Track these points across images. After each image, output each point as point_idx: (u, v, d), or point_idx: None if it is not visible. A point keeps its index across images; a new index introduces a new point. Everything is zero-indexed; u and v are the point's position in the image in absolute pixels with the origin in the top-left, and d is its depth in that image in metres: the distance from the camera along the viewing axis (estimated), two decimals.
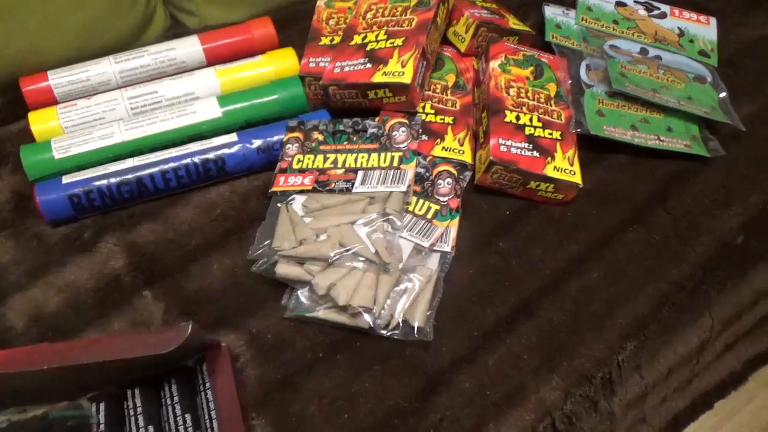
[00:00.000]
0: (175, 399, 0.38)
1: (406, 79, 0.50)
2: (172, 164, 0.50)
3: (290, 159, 0.50)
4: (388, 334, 0.42)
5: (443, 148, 0.52)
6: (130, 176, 0.49)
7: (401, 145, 0.48)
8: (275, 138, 0.52)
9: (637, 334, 0.46)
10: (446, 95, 0.56)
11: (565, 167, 0.51)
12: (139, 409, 0.37)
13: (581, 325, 0.45)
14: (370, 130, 0.50)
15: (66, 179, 0.48)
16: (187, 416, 0.37)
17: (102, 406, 0.37)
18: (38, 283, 0.46)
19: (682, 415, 0.62)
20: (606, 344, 0.45)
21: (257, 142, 0.52)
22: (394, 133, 0.49)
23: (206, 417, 0.37)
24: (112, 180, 0.49)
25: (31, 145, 0.51)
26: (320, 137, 0.51)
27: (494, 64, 0.56)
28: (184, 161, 0.50)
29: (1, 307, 0.44)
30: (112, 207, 0.50)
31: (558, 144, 0.52)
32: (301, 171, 0.49)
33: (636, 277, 0.48)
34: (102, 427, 0.36)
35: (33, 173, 0.50)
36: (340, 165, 0.49)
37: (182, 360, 0.40)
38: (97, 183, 0.48)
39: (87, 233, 0.49)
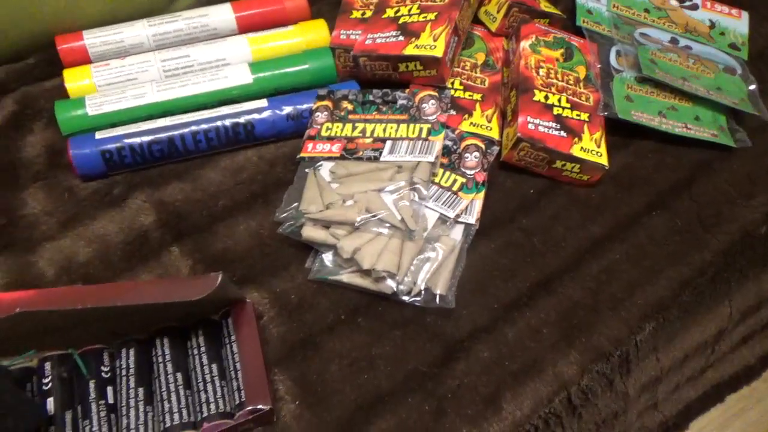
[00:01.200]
0: (202, 350, 0.38)
1: (438, 52, 0.50)
2: (203, 126, 0.50)
3: (319, 127, 0.51)
4: (410, 300, 0.43)
5: (471, 123, 0.52)
6: (161, 135, 0.50)
7: (430, 118, 0.49)
8: (305, 106, 0.52)
9: (655, 316, 0.46)
10: (475, 73, 0.56)
11: (592, 148, 0.51)
12: (168, 357, 0.38)
13: (601, 304, 0.45)
14: (400, 102, 0.50)
15: (99, 135, 0.49)
16: (213, 366, 0.38)
17: (132, 352, 0.38)
18: (69, 234, 0.47)
19: (693, 405, 0.62)
20: (625, 324, 0.45)
21: (287, 109, 0.52)
22: (423, 105, 0.50)
23: (231, 368, 0.38)
24: (144, 138, 0.49)
25: (65, 100, 0.52)
26: (349, 107, 0.51)
27: (525, 44, 0.56)
28: (215, 124, 0.51)
29: (32, 255, 0.45)
30: (142, 165, 0.50)
31: (585, 125, 0.52)
32: (330, 138, 0.50)
33: (657, 261, 0.48)
34: (132, 371, 0.37)
35: (66, 128, 0.51)
36: (368, 134, 0.49)
37: (209, 313, 0.40)
38: (130, 140, 0.49)
39: (117, 189, 0.50)
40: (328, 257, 0.45)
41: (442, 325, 0.43)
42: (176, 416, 0.36)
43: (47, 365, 0.37)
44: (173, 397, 0.36)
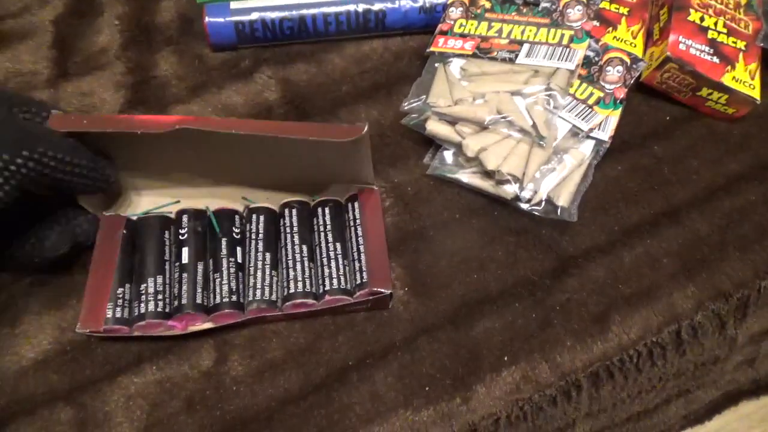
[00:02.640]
0: (327, 228, 0.39)
1: None
2: (335, 8, 0.49)
3: (452, 22, 0.48)
4: (529, 208, 0.42)
5: (615, 37, 0.48)
6: (293, 13, 0.49)
7: (574, 24, 0.46)
8: (439, 0, 0.50)
9: None
10: None
11: (745, 79, 0.47)
12: (295, 228, 0.39)
13: (728, 243, 0.43)
14: (543, 4, 0.47)
15: (234, 5, 0.49)
16: (338, 245, 0.38)
17: (261, 218, 0.39)
18: (197, 100, 0.48)
19: None
20: (751, 267, 0.42)
21: (421, 1, 0.50)
22: (568, 10, 0.47)
23: (354, 249, 0.38)
24: (277, 14, 0.49)
25: None
26: (487, 4, 0.49)
27: None
28: (347, 7, 0.49)
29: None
30: (271, 41, 0.50)
31: (741, 54, 0.48)
32: (463, 36, 0.47)
33: None
34: (261, 236, 0.38)
35: None
36: (504, 35, 0.47)
37: (339, 189, 0.41)
38: (262, 14, 0.49)
39: (245, 62, 0.50)
40: (449, 154, 0.44)
41: (557, 239, 0.42)
42: (299, 284, 0.37)
43: (185, 217, 0.38)
44: (298, 266, 0.37)
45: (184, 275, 0.37)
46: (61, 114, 0.35)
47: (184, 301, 0.36)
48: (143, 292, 0.36)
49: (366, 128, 0.34)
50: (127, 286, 0.37)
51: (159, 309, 0.36)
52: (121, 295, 0.36)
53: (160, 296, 0.36)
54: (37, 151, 0.32)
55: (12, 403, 0.35)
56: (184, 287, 0.36)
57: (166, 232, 0.38)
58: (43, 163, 0.32)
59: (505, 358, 0.38)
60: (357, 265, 0.38)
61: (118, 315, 0.36)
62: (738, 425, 0.74)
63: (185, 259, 0.37)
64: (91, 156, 0.36)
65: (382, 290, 0.37)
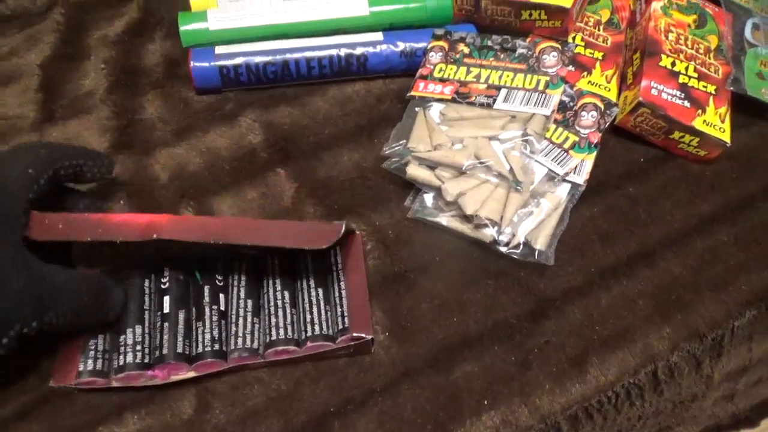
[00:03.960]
0: (310, 273, 0.39)
1: (567, 2, 0.48)
2: (317, 52, 0.51)
3: (432, 67, 0.50)
4: (508, 251, 0.43)
5: (589, 82, 0.50)
6: (277, 57, 0.50)
7: (550, 70, 0.47)
8: (420, 44, 0.52)
9: (758, 303, 0.44)
10: (598, 30, 0.53)
11: (715, 123, 0.48)
12: (277, 275, 0.39)
13: (702, 284, 0.44)
14: (519, 50, 0.49)
15: (219, 50, 0.50)
16: (320, 290, 0.39)
17: (243, 265, 0.39)
18: (182, 144, 0.49)
19: None
20: (724, 307, 0.43)
21: (401, 45, 0.51)
22: (544, 56, 0.48)
23: (336, 295, 0.39)
24: (261, 58, 0.50)
25: (188, 12, 0.53)
26: (466, 50, 0.50)
27: (656, 5, 0.53)
28: (330, 51, 0.51)
29: (149, 158, 0.48)
30: (255, 84, 0.51)
31: (711, 98, 0.49)
32: (442, 80, 0.49)
33: (767, 248, 0.46)
34: (243, 282, 0.39)
35: (187, 40, 0.52)
36: (482, 80, 0.48)
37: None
38: (247, 58, 0.50)
39: (229, 105, 0.51)
40: (429, 198, 0.45)
41: (535, 281, 0.43)
42: (281, 331, 0.37)
43: (166, 266, 0.39)
44: (280, 313, 0.38)
45: (166, 324, 0.37)
46: (38, 219, 0.35)
47: (165, 351, 0.36)
48: (122, 343, 0.36)
49: (343, 229, 0.36)
50: (101, 336, 0.37)
51: (138, 360, 0.36)
52: (93, 347, 0.36)
53: (139, 347, 0.36)
54: (45, 317, 0.33)
55: None
56: (165, 336, 0.36)
57: (146, 280, 0.38)
58: (51, 324, 0.34)
59: (485, 402, 0.38)
60: (339, 310, 0.38)
61: (92, 367, 0.36)
62: None
63: (167, 308, 0.37)
64: (95, 288, 0.36)
65: (364, 335, 0.37)
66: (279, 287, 0.39)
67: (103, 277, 0.38)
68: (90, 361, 0.36)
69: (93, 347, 0.36)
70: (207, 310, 0.37)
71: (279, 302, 0.38)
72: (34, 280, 0.33)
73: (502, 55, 0.49)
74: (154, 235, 0.34)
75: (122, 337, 0.36)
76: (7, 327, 0.32)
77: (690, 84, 0.49)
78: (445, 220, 0.44)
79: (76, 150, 0.41)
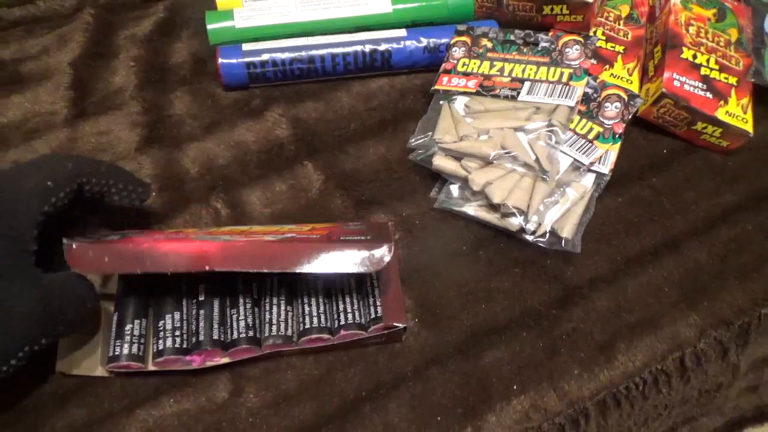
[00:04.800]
0: None
1: None
2: (342, 49, 0.51)
3: (456, 61, 0.51)
4: (534, 240, 0.43)
5: (612, 74, 0.51)
6: (303, 54, 0.51)
7: (573, 63, 0.48)
8: (443, 40, 0.52)
9: None
10: (618, 25, 0.54)
11: (737, 113, 0.48)
12: None
13: (728, 272, 0.44)
14: (542, 44, 0.49)
15: (246, 47, 0.51)
16: (352, 280, 0.39)
17: None
18: (210, 138, 0.49)
19: None
20: (750, 295, 0.43)
21: (425, 41, 0.52)
22: (566, 49, 0.49)
23: (368, 284, 0.39)
24: (287, 55, 0.51)
25: (215, 11, 0.54)
26: (489, 44, 0.51)
27: (676, 0, 0.53)
28: (355, 48, 0.52)
29: (179, 152, 0.48)
30: (281, 80, 0.52)
31: (733, 89, 0.50)
32: (466, 74, 0.49)
33: None
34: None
35: (214, 38, 0.53)
36: (506, 73, 0.49)
37: None
38: (273, 55, 0.51)
39: (255, 101, 0.52)
40: (455, 188, 0.46)
41: (562, 269, 0.44)
42: (315, 320, 0.38)
43: None
44: (313, 302, 0.38)
45: (201, 311, 0.38)
46: (81, 252, 0.35)
47: (201, 337, 0.37)
48: (161, 328, 0.37)
49: (390, 254, 0.36)
50: (136, 322, 0.37)
51: (177, 345, 0.37)
52: (129, 332, 0.37)
53: (177, 332, 0.37)
54: (54, 332, 0.33)
55: None
56: (201, 323, 0.37)
57: None
58: (60, 336, 0.34)
59: (515, 387, 0.39)
60: (371, 300, 0.39)
61: (128, 351, 0.36)
62: None
63: (202, 296, 0.38)
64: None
65: (397, 324, 0.38)
66: (312, 276, 0.39)
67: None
68: (126, 345, 0.36)
69: (129, 332, 0.37)
70: (240, 298, 0.38)
71: (312, 291, 0.39)
72: (42, 299, 0.32)
73: (524, 49, 0.50)
74: (206, 267, 0.35)
75: (161, 323, 0.37)
76: (16, 349, 0.32)
77: (712, 76, 0.50)
78: (471, 209, 0.45)
79: (110, 169, 0.38)
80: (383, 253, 0.36)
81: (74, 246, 0.35)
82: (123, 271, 0.36)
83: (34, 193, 0.34)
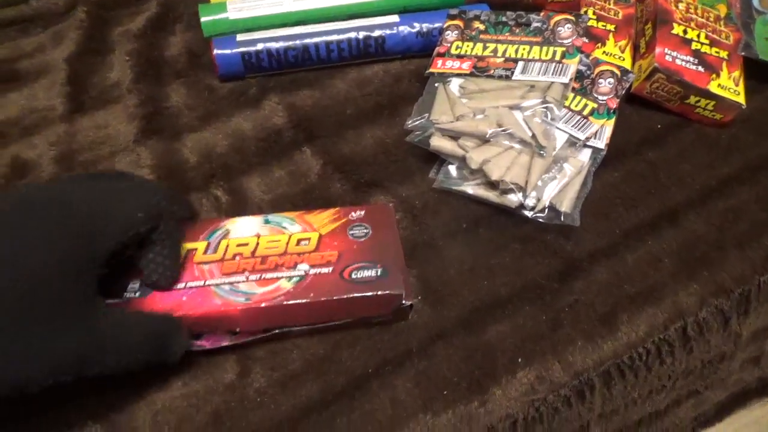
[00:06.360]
0: None
1: None
2: (336, 36, 0.52)
3: (449, 44, 0.51)
4: (533, 216, 0.44)
5: (604, 52, 0.51)
6: (297, 42, 0.52)
7: (565, 41, 0.48)
8: (435, 24, 0.53)
9: None
10: (609, 4, 0.55)
11: (729, 86, 0.49)
12: None
13: (726, 241, 0.45)
14: (534, 24, 0.50)
15: (240, 37, 0.52)
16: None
17: None
18: (208, 128, 0.50)
19: None
20: (750, 263, 0.44)
21: (418, 26, 0.53)
22: (558, 28, 0.49)
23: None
24: (281, 44, 0.51)
25: (208, 4, 0.54)
26: (481, 27, 0.51)
27: None
28: (348, 35, 0.52)
29: (177, 142, 0.49)
30: (276, 69, 0.53)
31: (724, 63, 0.50)
32: (460, 56, 0.50)
33: None
34: None
35: (208, 31, 0.53)
36: (500, 54, 0.49)
37: None
38: (268, 44, 0.51)
39: (252, 90, 0.52)
40: (453, 168, 0.46)
41: (562, 244, 0.44)
42: None
43: None
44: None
45: None
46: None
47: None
48: None
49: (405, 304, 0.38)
50: None
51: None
52: None
53: None
54: (84, 373, 0.32)
55: (42, 424, 0.36)
56: None
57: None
58: (90, 375, 0.33)
59: (519, 360, 0.39)
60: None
61: None
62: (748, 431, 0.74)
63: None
64: (153, 340, 0.35)
65: (404, 301, 0.38)
66: None
67: (169, 322, 0.35)
68: None
69: None
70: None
71: None
72: (84, 339, 0.31)
73: (517, 30, 0.50)
74: (237, 329, 0.37)
75: None
76: (39, 381, 0.30)
77: (702, 50, 0.50)
78: (470, 188, 0.45)
79: (174, 195, 0.39)
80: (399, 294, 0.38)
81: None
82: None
83: (124, 221, 0.34)
